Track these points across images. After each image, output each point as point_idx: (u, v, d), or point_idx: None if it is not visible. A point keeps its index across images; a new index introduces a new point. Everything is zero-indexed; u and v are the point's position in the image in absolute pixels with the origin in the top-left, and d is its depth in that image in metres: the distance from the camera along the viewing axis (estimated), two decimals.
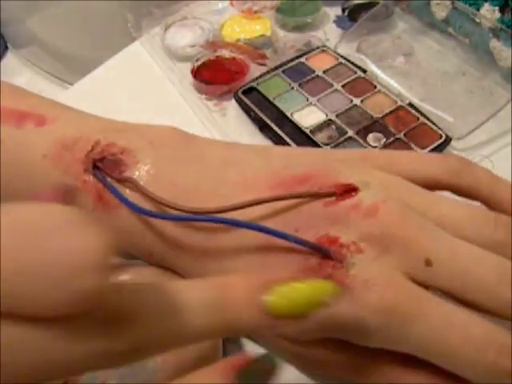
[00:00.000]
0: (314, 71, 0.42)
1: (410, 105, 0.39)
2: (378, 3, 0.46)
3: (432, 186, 0.27)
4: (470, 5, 0.42)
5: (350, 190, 0.25)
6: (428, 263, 0.23)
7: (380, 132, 0.38)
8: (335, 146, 0.37)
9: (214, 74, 0.44)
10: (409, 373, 0.25)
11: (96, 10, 0.63)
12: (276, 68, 0.43)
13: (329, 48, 0.44)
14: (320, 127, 0.38)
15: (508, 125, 0.38)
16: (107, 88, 0.44)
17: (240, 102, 0.41)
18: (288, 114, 0.39)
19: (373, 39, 0.45)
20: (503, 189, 0.27)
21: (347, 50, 0.44)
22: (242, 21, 0.49)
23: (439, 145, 0.37)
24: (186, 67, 0.44)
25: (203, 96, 0.43)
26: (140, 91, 0.44)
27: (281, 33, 0.48)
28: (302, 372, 0.27)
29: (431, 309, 0.23)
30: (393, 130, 0.38)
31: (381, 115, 0.39)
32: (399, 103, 0.39)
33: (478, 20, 0.41)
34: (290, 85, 0.41)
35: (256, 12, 0.49)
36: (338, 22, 0.49)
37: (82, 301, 0.14)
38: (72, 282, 0.14)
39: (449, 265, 0.23)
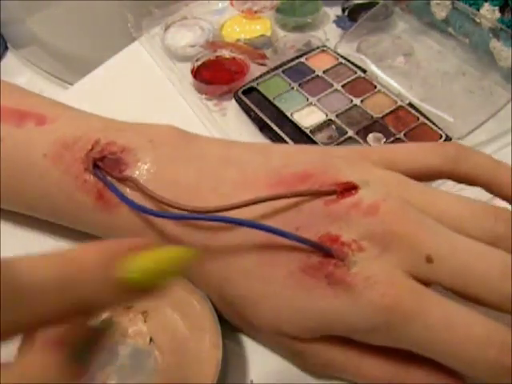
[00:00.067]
0: (314, 71, 0.42)
1: (410, 105, 0.39)
2: (377, 3, 0.46)
3: (432, 175, 0.27)
4: (470, 5, 0.42)
5: (350, 189, 0.25)
6: (429, 260, 0.23)
7: (380, 132, 0.38)
8: None
9: (214, 74, 0.44)
10: (409, 371, 0.25)
11: (96, 10, 0.63)
12: (276, 68, 0.43)
13: (329, 48, 0.44)
14: (320, 127, 0.38)
15: (508, 125, 0.38)
16: (107, 88, 0.44)
17: (240, 102, 0.41)
18: (288, 114, 0.39)
19: (373, 39, 0.45)
20: (503, 172, 0.27)
21: (347, 49, 0.44)
22: (242, 21, 0.48)
23: None
24: (186, 67, 0.44)
25: (203, 96, 0.43)
26: (140, 91, 0.44)
27: (281, 33, 0.48)
28: (302, 370, 0.27)
29: (432, 306, 0.23)
30: (393, 130, 0.38)
31: (381, 115, 0.39)
32: (399, 103, 0.39)
33: (478, 20, 0.41)
34: (289, 85, 0.41)
35: (256, 12, 0.49)
36: (338, 22, 0.49)
37: None
38: None
39: (449, 261, 0.23)
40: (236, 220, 0.25)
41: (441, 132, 0.37)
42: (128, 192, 0.28)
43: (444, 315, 0.22)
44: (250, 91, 0.41)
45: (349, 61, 0.43)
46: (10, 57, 0.75)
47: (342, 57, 0.43)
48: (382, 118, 0.38)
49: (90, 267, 0.17)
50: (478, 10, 0.42)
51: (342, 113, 0.39)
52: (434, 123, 0.38)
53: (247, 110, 0.40)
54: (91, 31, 0.66)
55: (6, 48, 0.76)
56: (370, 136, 0.37)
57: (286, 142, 0.37)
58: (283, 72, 0.42)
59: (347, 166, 0.27)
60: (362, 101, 0.40)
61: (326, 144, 0.37)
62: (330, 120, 0.39)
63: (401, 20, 0.48)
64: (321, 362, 0.26)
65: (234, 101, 0.41)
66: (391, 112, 0.39)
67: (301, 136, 0.38)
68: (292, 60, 0.43)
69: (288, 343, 0.26)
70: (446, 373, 0.24)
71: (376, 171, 0.27)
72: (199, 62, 0.44)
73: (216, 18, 0.49)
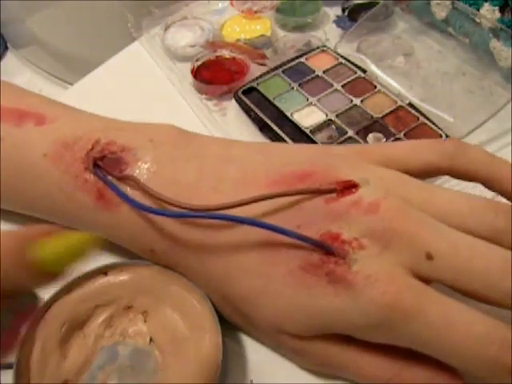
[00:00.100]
0: (314, 71, 0.42)
1: (410, 105, 0.39)
2: (377, 3, 0.46)
3: (431, 172, 0.27)
4: (470, 5, 0.42)
5: (350, 187, 0.26)
6: (429, 257, 0.23)
7: (380, 132, 0.38)
8: None
9: (214, 74, 0.44)
10: (409, 371, 0.25)
11: (96, 10, 0.63)
12: (276, 68, 0.43)
13: (329, 48, 0.44)
14: (320, 127, 0.38)
15: (508, 125, 0.38)
16: (107, 88, 0.44)
17: (240, 102, 0.41)
18: (288, 114, 0.39)
19: (373, 39, 0.45)
20: (502, 167, 0.27)
21: (347, 49, 0.44)
22: (242, 21, 0.48)
23: None
24: (186, 67, 0.44)
25: (203, 96, 0.43)
26: (140, 91, 0.44)
27: (281, 33, 0.48)
28: (302, 368, 0.27)
29: (432, 304, 0.23)
30: (393, 129, 0.38)
31: (381, 115, 0.39)
32: (399, 103, 0.39)
33: (478, 20, 0.41)
34: (289, 85, 0.41)
35: (256, 12, 0.49)
36: (338, 21, 0.49)
37: None
38: None
39: (449, 258, 0.23)
40: (237, 218, 0.25)
41: (441, 132, 0.37)
42: (128, 191, 0.28)
43: (444, 313, 0.23)
44: (249, 91, 0.41)
45: (349, 61, 0.43)
46: (9, 57, 0.75)
47: (342, 57, 0.43)
48: (382, 118, 0.38)
49: (4, 252, 0.17)
50: (478, 9, 0.42)
51: (341, 113, 0.39)
52: (434, 123, 0.38)
53: (247, 110, 0.40)
54: (91, 31, 0.66)
55: (6, 48, 0.76)
56: (370, 136, 0.37)
57: (285, 141, 0.37)
58: (283, 72, 0.42)
59: (347, 164, 0.27)
60: (362, 101, 0.40)
61: (325, 144, 0.37)
62: (330, 120, 0.39)
63: (401, 20, 0.48)
64: (321, 361, 0.26)
65: (233, 101, 0.41)
66: (391, 112, 0.39)
67: (301, 136, 0.38)
68: (292, 60, 0.43)
69: (288, 341, 0.26)
70: (446, 373, 0.24)
71: (376, 170, 0.27)
72: (199, 62, 0.44)
73: (216, 18, 0.49)
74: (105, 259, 0.31)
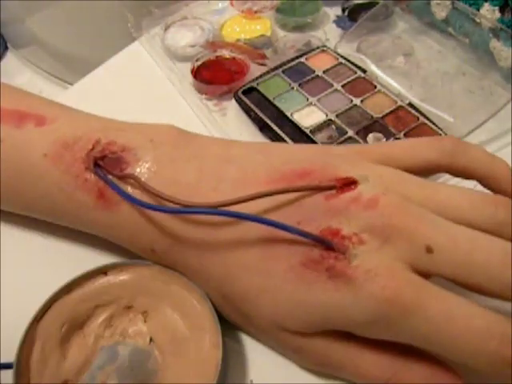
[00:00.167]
0: (314, 71, 0.42)
1: (410, 105, 0.39)
2: (377, 3, 0.46)
3: (430, 169, 0.28)
4: (470, 5, 0.42)
5: (349, 184, 0.26)
6: (429, 250, 0.23)
7: (380, 132, 0.38)
8: None
9: (214, 74, 0.44)
10: (408, 371, 0.25)
11: (96, 10, 0.63)
12: (276, 68, 0.43)
13: (329, 48, 0.44)
14: (320, 127, 0.38)
15: (508, 125, 0.38)
16: (107, 88, 0.44)
17: (240, 102, 0.41)
18: (288, 114, 0.39)
19: (373, 39, 0.45)
20: (501, 166, 0.27)
21: (347, 49, 0.44)
22: (242, 21, 0.48)
23: None
24: (186, 67, 0.44)
25: (203, 96, 0.43)
26: (140, 91, 0.44)
27: (281, 33, 0.48)
28: (300, 367, 0.27)
29: (432, 299, 0.23)
30: (393, 130, 0.38)
31: (381, 115, 0.39)
32: (399, 103, 0.39)
33: (478, 20, 0.41)
34: (290, 85, 0.41)
35: (256, 12, 0.49)
36: (338, 21, 0.49)
37: None
38: None
39: (449, 251, 0.23)
40: (239, 214, 0.25)
41: (441, 132, 0.37)
42: (129, 190, 0.28)
43: (444, 307, 0.23)
44: (250, 91, 0.41)
45: (349, 61, 0.43)
46: (10, 57, 0.75)
47: (342, 57, 0.43)
48: (382, 117, 0.38)
49: None
50: (478, 9, 0.42)
51: (341, 113, 0.39)
52: (434, 123, 0.38)
53: (247, 110, 0.40)
54: (91, 31, 0.66)
55: (6, 48, 0.76)
56: (370, 136, 0.37)
57: (285, 141, 0.37)
58: (283, 72, 0.42)
59: (346, 162, 0.27)
60: (362, 101, 0.40)
61: (325, 144, 0.37)
62: (330, 120, 0.39)
63: (401, 20, 0.48)
64: (320, 360, 0.26)
65: (233, 101, 0.41)
66: (391, 112, 0.39)
67: (301, 136, 0.38)
68: (292, 60, 0.43)
69: (287, 339, 0.26)
70: (446, 373, 0.24)
71: (375, 167, 0.27)
72: (199, 62, 0.44)
73: (216, 18, 0.49)
74: (105, 259, 0.31)
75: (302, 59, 0.43)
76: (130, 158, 0.29)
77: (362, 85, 0.41)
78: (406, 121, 0.38)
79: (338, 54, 0.43)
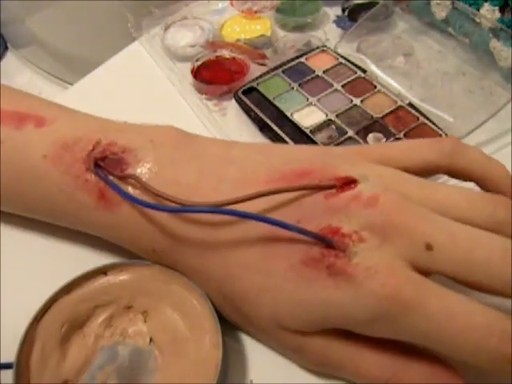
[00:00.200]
0: (314, 71, 0.42)
1: (410, 105, 0.39)
2: (377, 3, 0.46)
3: (429, 170, 0.28)
4: (470, 5, 0.42)
5: (349, 183, 0.26)
6: (428, 247, 0.23)
7: (380, 132, 0.38)
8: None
9: (214, 74, 0.44)
10: (408, 371, 0.25)
11: (96, 10, 0.63)
12: (276, 68, 0.43)
13: (329, 48, 0.44)
14: (320, 127, 0.38)
15: (508, 125, 0.38)
16: (107, 88, 0.44)
17: (240, 102, 0.41)
18: (288, 114, 0.39)
19: (373, 39, 0.45)
20: (498, 168, 0.27)
21: (347, 49, 0.44)
22: (242, 21, 0.48)
23: None
24: (186, 67, 0.44)
25: (203, 96, 0.43)
26: (140, 91, 0.44)
27: (281, 33, 0.48)
28: (300, 367, 0.27)
29: (432, 296, 0.23)
30: (393, 129, 0.38)
31: (381, 115, 0.39)
32: (399, 103, 0.39)
33: (478, 20, 0.41)
34: (290, 85, 0.41)
35: (256, 12, 0.49)
36: (338, 21, 0.49)
37: None
38: None
39: (449, 248, 0.23)
40: (239, 212, 0.25)
41: (441, 132, 0.37)
42: (130, 190, 0.28)
43: (444, 305, 0.23)
44: (250, 91, 0.41)
45: (349, 61, 0.43)
46: (10, 57, 0.75)
47: (342, 57, 0.43)
48: (382, 118, 0.38)
49: None
50: (478, 9, 0.42)
51: (341, 113, 0.39)
52: (434, 123, 0.38)
53: (247, 110, 0.40)
54: (91, 31, 0.66)
55: (6, 48, 0.76)
56: (370, 136, 0.37)
57: (286, 142, 0.37)
58: (283, 72, 0.42)
59: (346, 162, 0.27)
60: (362, 101, 0.40)
61: (326, 144, 0.37)
62: (330, 120, 0.39)
63: (401, 20, 0.48)
64: (320, 359, 0.26)
65: (233, 101, 0.41)
66: (391, 112, 0.39)
67: (301, 136, 0.38)
68: (292, 60, 0.43)
69: (287, 338, 0.26)
70: (446, 372, 0.24)
71: (374, 167, 0.27)
72: (199, 62, 0.44)
73: (216, 18, 0.49)
74: (105, 259, 0.31)
75: (302, 59, 0.43)
76: (131, 159, 0.29)
77: (362, 85, 0.41)
78: (405, 121, 0.38)
79: (338, 54, 0.43)
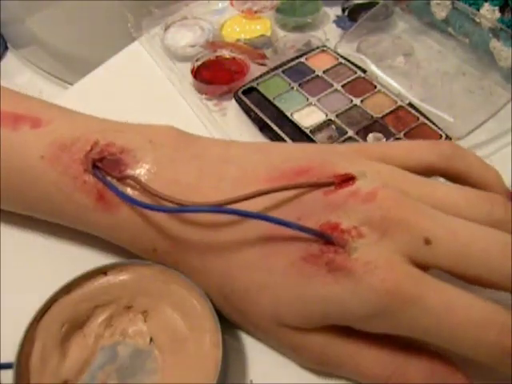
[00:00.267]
0: (314, 71, 0.42)
1: (410, 105, 0.39)
2: (377, 3, 0.46)
3: (426, 172, 0.28)
4: (470, 5, 0.42)
5: (348, 180, 0.26)
6: (427, 242, 0.24)
7: (380, 132, 0.38)
8: None
9: (214, 74, 0.44)
10: (408, 370, 0.25)
11: (96, 10, 0.63)
12: (276, 68, 0.43)
13: (329, 48, 0.44)
14: (320, 127, 0.38)
15: (508, 125, 0.38)
16: (107, 88, 0.44)
17: (240, 102, 0.41)
18: (288, 114, 0.39)
19: (373, 39, 0.45)
20: (493, 174, 0.28)
21: (347, 49, 0.44)
22: (242, 21, 0.48)
23: None
24: (186, 67, 0.44)
25: (203, 96, 0.43)
26: (140, 91, 0.44)
27: (281, 33, 0.48)
28: (300, 366, 0.27)
29: (431, 291, 0.23)
30: (393, 129, 0.38)
31: (381, 115, 0.39)
32: (399, 103, 0.39)
33: (478, 20, 0.41)
34: (289, 85, 0.41)
35: (256, 12, 0.49)
36: (338, 21, 0.49)
37: None
38: None
39: (447, 242, 0.24)
40: (239, 211, 0.25)
41: (441, 132, 0.37)
42: (128, 191, 0.28)
43: (443, 298, 0.23)
44: (250, 91, 0.41)
45: (349, 61, 0.43)
46: (9, 57, 0.75)
47: (342, 57, 0.43)
48: (382, 118, 0.38)
49: None
50: (478, 9, 0.42)
51: (341, 113, 0.39)
52: (433, 123, 0.38)
53: (247, 110, 0.40)
54: (91, 31, 0.66)
55: (6, 48, 0.76)
56: (370, 136, 0.37)
57: (285, 141, 0.37)
58: (283, 72, 0.42)
59: (344, 160, 0.27)
60: (362, 101, 0.40)
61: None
62: (330, 120, 0.39)
63: (401, 20, 0.48)
64: (319, 357, 0.26)
65: (233, 101, 0.41)
66: (391, 112, 0.39)
67: (301, 136, 0.38)
68: (292, 60, 0.43)
69: (287, 336, 0.26)
70: (446, 366, 0.24)
71: (373, 164, 0.27)
72: (199, 62, 0.44)
73: (216, 18, 0.49)
74: (105, 259, 0.31)
75: (302, 59, 0.43)
76: (129, 160, 0.29)
77: (362, 85, 0.41)
78: (405, 121, 0.38)
79: (338, 54, 0.43)
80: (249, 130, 0.39)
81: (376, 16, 0.46)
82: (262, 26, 0.48)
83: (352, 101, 0.40)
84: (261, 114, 0.39)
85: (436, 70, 0.43)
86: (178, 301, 0.28)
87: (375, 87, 0.41)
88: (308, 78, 0.42)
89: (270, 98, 0.40)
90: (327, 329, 0.25)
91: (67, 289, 0.28)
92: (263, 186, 0.26)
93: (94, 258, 0.32)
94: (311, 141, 0.37)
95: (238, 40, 0.46)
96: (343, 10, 0.49)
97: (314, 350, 0.26)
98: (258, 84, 0.42)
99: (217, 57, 0.45)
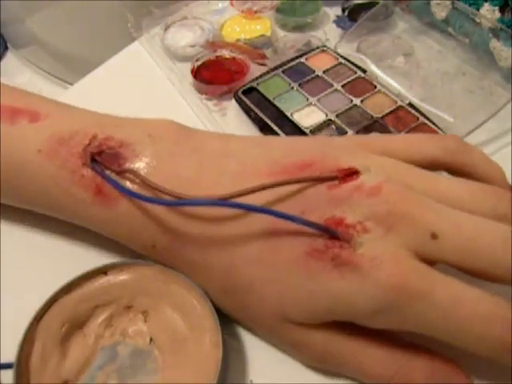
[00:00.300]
0: (314, 71, 0.42)
1: (410, 105, 0.39)
2: (377, 3, 0.46)
3: (429, 165, 0.28)
4: (470, 5, 0.42)
5: (351, 174, 0.26)
6: (433, 236, 0.23)
7: (380, 132, 0.38)
8: None
9: (214, 74, 0.44)
10: (411, 369, 0.25)
11: (96, 10, 0.63)
12: (276, 68, 0.43)
13: (329, 48, 0.44)
14: (320, 127, 0.38)
15: (508, 125, 0.38)
16: (107, 88, 0.44)
17: (240, 102, 0.41)
18: (288, 114, 0.39)
19: (373, 39, 0.45)
20: (498, 170, 0.28)
21: (347, 49, 0.44)
22: (242, 21, 0.49)
23: None
24: (186, 67, 0.44)
25: (203, 96, 0.43)
26: (140, 91, 0.44)
27: (281, 33, 0.48)
28: (301, 363, 0.27)
29: (437, 285, 0.23)
30: (393, 130, 0.38)
31: (381, 115, 0.39)
32: (399, 103, 0.39)
33: (478, 20, 0.41)
34: (289, 85, 0.41)
35: (256, 12, 0.49)
36: (338, 21, 0.49)
37: None
38: None
39: (453, 236, 0.23)
40: (241, 205, 0.25)
41: (441, 132, 0.37)
42: (127, 185, 0.28)
43: (450, 293, 0.23)
44: (250, 91, 0.41)
45: (349, 61, 0.43)
46: (9, 57, 0.75)
47: (342, 57, 0.43)
48: (382, 118, 0.38)
49: None
50: (478, 9, 0.42)
51: (341, 113, 0.39)
52: (433, 123, 0.38)
53: (247, 110, 0.40)
54: (91, 31, 0.66)
55: (6, 48, 0.76)
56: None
57: None
58: (283, 72, 0.42)
59: (347, 153, 0.27)
60: (362, 101, 0.40)
61: None
62: (330, 120, 0.39)
63: (401, 20, 0.48)
64: (321, 355, 0.26)
65: (233, 101, 0.41)
66: (391, 112, 0.39)
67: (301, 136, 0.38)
68: (292, 60, 0.43)
69: (290, 332, 0.26)
70: (447, 364, 0.24)
71: (376, 158, 0.27)
72: (199, 62, 0.44)
73: (216, 18, 0.49)
74: (105, 259, 0.31)
75: (302, 59, 0.43)
76: (128, 154, 0.29)
77: (362, 85, 0.41)
78: (405, 121, 0.38)
79: (338, 54, 0.43)
80: (249, 130, 0.39)
81: (376, 16, 0.46)
82: (262, 26, 0.48)
83: (352, 101, 0.40)
84: (261, 114, 0.39)
85: (436, 70, 0.43)
86: (178, 301, 0.28)
87: (375, 87, 0.41)
88: (308, 77, 0.42)
89: (270, 98, 0.40)
90: (330, 326, 0.25)
91: (67, 289, 0.28)
92: (264, 181, 0.26)
93: (94, 258, 0.32)
94: None
95: (238, 40, 0.46)
96: (343, 10, 0.49)
97: (316, 348, 0.26)
98: (258, 84, 0.42)
99: (217, 57, 0.45)
